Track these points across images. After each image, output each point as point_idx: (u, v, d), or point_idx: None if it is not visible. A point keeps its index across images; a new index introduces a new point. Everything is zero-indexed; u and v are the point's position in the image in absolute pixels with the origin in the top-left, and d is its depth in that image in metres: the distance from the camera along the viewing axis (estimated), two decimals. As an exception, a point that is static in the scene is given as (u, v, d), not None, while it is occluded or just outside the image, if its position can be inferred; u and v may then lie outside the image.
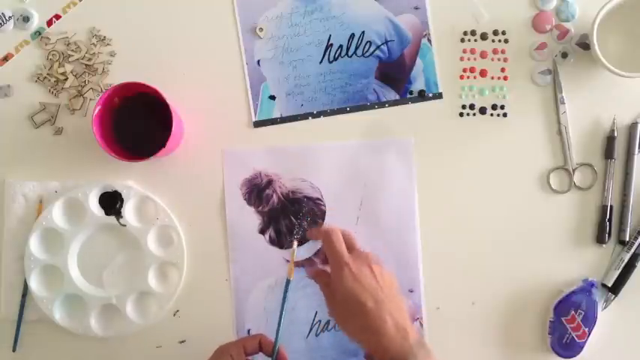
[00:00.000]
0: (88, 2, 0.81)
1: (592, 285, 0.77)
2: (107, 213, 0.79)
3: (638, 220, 0.79)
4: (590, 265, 0.80)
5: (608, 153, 0.79)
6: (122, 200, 0.79)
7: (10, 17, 0.81)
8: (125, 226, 0.79)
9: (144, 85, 0.73)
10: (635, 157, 0.79)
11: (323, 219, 0.80)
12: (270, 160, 0.80)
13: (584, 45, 0.79)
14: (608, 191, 0.79)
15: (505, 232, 0.80)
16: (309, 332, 0.79)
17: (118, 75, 0.81)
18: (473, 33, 0.80)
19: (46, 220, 0.79)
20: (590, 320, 0.76)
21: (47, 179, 0.80)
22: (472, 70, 0.80)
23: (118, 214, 0.79)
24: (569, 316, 0.77)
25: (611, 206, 0.79)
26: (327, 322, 0.79)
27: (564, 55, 0.80)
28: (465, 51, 0.80)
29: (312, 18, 0.80)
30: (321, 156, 0.80)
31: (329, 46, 0.81)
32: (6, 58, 0.82)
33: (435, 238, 0.80)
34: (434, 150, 0.80)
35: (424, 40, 0.80)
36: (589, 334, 0.77)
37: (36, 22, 0.81)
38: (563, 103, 0.79)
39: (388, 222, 0.79)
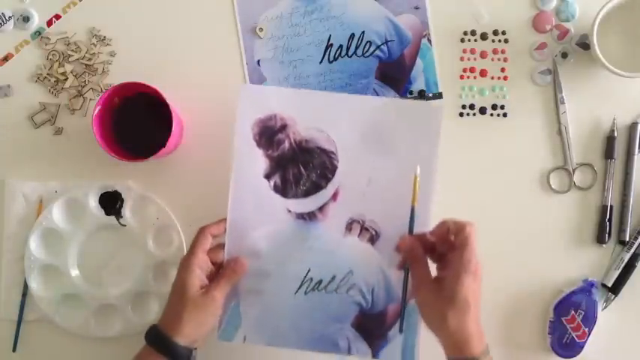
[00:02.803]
0: (88, 2, 0.81)
1: (592, 285, 0.77)
2: (107, 213, 0.79)
3: (638, 220, 0.79)
4: (590, 265, 0.80)
5: (608, 153, 0.79)
6: (122, 200, 0.79)
7: (10, 17, 0.81)
8: (125, 226, 0.79)
9: (144, 85, 0.74)
10: (635, 157, 0.79)
11: (333, 174, 0.75)
12: (289, 103, 0.75)
13: (584, 45, 0.79)
14: (608, 191, 0.79)
15: (505, 232, 0.80)
16: (298, 289, 0.75)
17: (118, 75, 0.81)
18: (473, 33, 0.80)
19: (46, 220, 0.79)
20: (590, 320, 0.76)
21: (47, 179, 0.80)
22: (472, 70, 0.80)
23: (118, 214, 0.79)
24: (569, 316, 0.77)
25: (611, 206, 0.79)
26: (319, 282, 0.75)
27: (564, 55, 0.80)
28: (465, 51, 0.80)
29: (312, 18, 0.81)
30: (344, 108, 0.75)
31: (329, 46, 0.81)
32: (6, 58, 0.82)
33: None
34: (434, 150, 0.80)
35: (424, 40, 0.80)
36: (589, 334, 0.77)
37: (36, 22, 0.81)
38: (563, 103, 0.79)
39: (402, 189, 0.73)
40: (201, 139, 0.80)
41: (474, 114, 0.80)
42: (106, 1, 0.81)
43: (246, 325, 0.74)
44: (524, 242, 0.80)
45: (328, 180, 0.75)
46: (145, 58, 0.81)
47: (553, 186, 0.80)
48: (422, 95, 0.79)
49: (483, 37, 0.80)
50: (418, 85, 0.80)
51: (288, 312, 0.75)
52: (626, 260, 0.78)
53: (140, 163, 0.75)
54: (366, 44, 0.80)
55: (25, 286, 0.79)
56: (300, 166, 0.75)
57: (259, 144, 0.74)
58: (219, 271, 0.71)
